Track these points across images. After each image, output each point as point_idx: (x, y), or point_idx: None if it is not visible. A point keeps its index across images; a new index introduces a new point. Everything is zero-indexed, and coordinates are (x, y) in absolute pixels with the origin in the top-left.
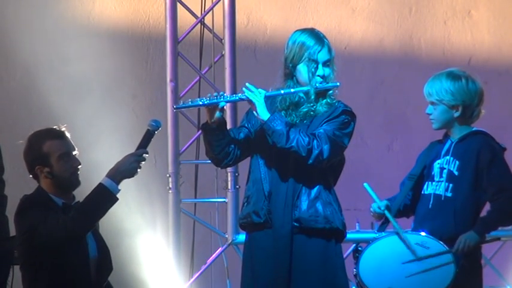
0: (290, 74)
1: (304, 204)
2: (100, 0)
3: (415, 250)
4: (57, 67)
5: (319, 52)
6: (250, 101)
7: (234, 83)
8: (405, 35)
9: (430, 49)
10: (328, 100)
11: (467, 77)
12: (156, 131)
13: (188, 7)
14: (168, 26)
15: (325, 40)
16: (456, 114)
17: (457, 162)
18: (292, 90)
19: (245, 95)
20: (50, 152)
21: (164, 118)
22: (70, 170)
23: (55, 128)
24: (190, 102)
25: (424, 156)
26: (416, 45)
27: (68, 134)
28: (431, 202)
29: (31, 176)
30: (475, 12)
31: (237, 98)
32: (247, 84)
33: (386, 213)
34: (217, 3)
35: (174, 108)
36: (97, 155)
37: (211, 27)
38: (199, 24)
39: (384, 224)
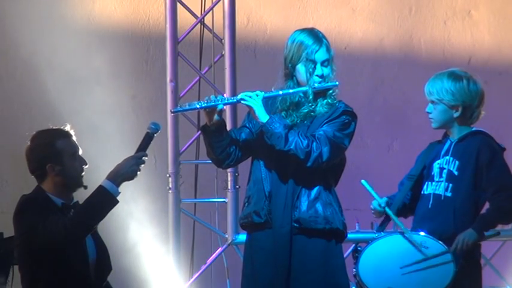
0: (290, 74)
1: (304, 205)
2: (100, 0)
3: (422, 249)
4: (57, 67)
5: (316, 52)
6: (248, 105)
7: (234, 83)
8: (405, 35)
9: (430, 49)
10: (329, 100)
11: (468, 78)
12: (156, 133)
13: (188, 7)
14: (168, 26)
15: (323, 40)
16: (456, 115)
17: (457, 162)
18: (291, 90)
19: (242, 98)
20: (63, 150)
21: (164, 118)
22: (79, 169)
23: (61, 128)
24: (187, 106)
25: (423, 157)
26: (416, 45)
27: (73, 134)
28: (431, 202)
29: (33, 175)
30: (475, 12)
31: (235, 100)
32: (241, 95)
33: (387, 210)
34: (217, 3)
35: (172, 112)
36: (97, 155)
37: (211, 27)
38: (199, 24)
39: (383, 223)
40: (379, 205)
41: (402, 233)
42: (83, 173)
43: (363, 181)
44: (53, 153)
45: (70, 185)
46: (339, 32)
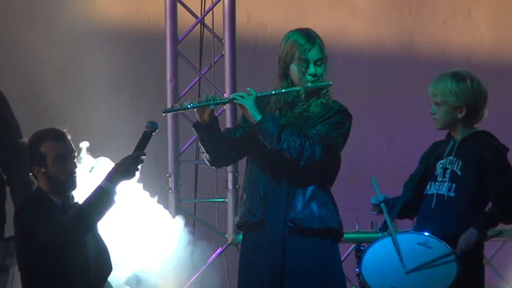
0: (284, 74)
1: (299, 205)
2: (100, 0)
3: (403, 258)
4: (57, 67)
5: (309, 51)
6: (240, 104)
7: (234, 83)
8: (405, 35)
9: (430, 49)
10: (323, 100)
11: (472, 78)
12: (154, 132)
13: (188, 7)
14: (168, 26)
15: (317, 39)
16: (460, 116)
17: (460, 162)
18: (283, 90)
19: (234, 98)
20: (46, 152)
21: (164, 119)
22: (65, 173)
23: (57, 129)
24: (179, 106)
25: (426, 156)
26: (416, 45)
27: (68, 136)
28: (434, 202)
29: (31, 174)
30: (475, 12)
31: (227, 100)
32: (233, 95)
33: (383, 206)
34: (217, 3)
35: (163, 113)
36: (97, 155)
37: (211, 27)
38: (199, 24)
39: (385, 224)
40: (376, 199)
41: (390, 235)
42: (70, 177)
43: (372, 177)
44: (36, 155)
45: (56, 187)
46: (339, 32)
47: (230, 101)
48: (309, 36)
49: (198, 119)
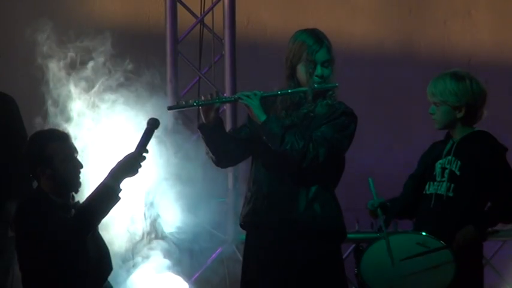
0: (291, 75)
1: (302, 205)
2: (100, 0)
3: (394, 258)
4: (57, 67)
5: (317, 52)
6: (245, 104)
7: (234, 83)
8: (405, 35)
9: (430, 49)
10: (329, 101)
11: (471, 78)
12: (156, 129)
13: (188, 7)
14: (168, 26)
15: (324, 41)
16: (459, 115)
17: (459, 162)
18: (289, 91)
19: (240, 97)
20: (53, 154)
21: (164, 118)
22: (73, 173)
23: (58, 129)
24: (184, 103)
25: (426, 157)
26: (416, 45)
27: (70, 136)
28: (432, 202)
29: (30, 176)
30: (475, 12)
31: (232, 99)
32: (239, 94)
33: (379, 211)
34: (217, 3)
35: (168, 109)
36: (97, 155)
37: (211, 27)
38: (199, 24)
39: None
40: (372, 205)
41: (385, 238)
42: (78, 176)
43: (369, 179)
44: (43, 157)
45: (63, 187)
46: (339, 32)
47: (236, 100)
48: (317, 37)
49: (203, 118)
